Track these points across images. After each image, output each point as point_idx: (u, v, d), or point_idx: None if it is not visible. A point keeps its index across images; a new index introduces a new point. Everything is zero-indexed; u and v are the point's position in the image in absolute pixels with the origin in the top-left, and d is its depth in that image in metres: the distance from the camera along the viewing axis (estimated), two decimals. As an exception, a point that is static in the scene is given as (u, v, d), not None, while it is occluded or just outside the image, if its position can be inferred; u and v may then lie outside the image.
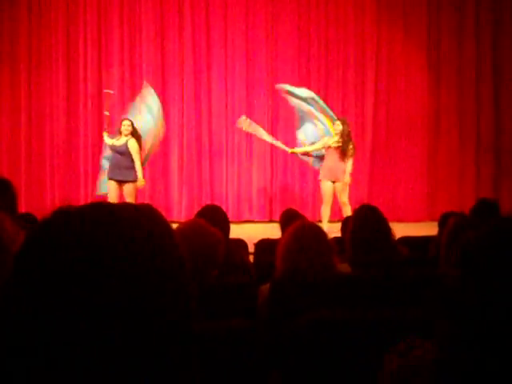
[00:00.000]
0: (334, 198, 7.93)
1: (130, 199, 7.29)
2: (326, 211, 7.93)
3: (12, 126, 9.48)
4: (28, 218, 4.26)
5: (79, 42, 9.62)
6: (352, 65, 10.00)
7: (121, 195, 7.39)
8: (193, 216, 3.53)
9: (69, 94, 9.61)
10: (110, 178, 7.42)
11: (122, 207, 0.68)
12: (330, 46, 9.98)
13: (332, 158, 7.78)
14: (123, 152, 7.36)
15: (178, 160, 9.77)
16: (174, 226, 2.34)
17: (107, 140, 7.62)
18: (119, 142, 7.45)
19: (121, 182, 7.40)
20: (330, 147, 7.79)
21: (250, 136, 9.89)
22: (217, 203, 5.94)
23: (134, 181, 7.41)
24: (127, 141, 7.39)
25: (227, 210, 8.82)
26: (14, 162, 9.42)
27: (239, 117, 9.82)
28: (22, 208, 7.87)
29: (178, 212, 9.59)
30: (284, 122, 9.92)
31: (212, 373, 1.65)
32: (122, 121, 7.54)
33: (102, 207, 0.67)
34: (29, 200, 9.10)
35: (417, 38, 10.12)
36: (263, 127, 9.87)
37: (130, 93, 9.58)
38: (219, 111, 9.88)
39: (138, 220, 0.67)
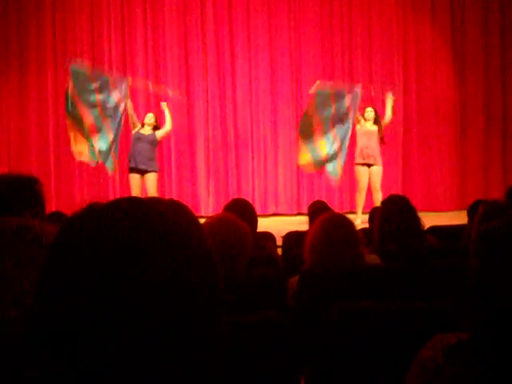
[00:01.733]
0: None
1: (152, 190, 7.50)
2: (361, 199, 7.92)
3: (40, 125, 9.61)
4: (58, 217, 4.33)
5: (103, 40, 9.69)
6: (378, 52, 9.90)
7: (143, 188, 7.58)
8: (220, 210, 3.55)
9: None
10: (134, 169, 7.53)
11: (152, 202, 0.69)
12: (353, 34, 9.89)
13: (365, 141, 7.79)
14: (151, 141, 7.60)
15: (204, 155, 9.80)
16: (202, 220, 2.36)
17: (144, 132, 7.68)
18: (146, 131, 7.65)
19: (143, 173, 7.55)
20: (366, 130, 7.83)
21: (275, 128, 9.88)
22: (244, 197, 5.95)
23: (156, 171, 7.67)
24: (154, 131, 7.65)
25: (254, 203, 8.83)
26: (44, 161, 9.54)
27: (264, 109, 9.85)
28: (52, 207, 7.98)
29: (206, 207, 9.62)
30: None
31: (242, 365, 1.66)
32: (147, 113, 7.84)
33: (132, 202, 0.68)
34: (59, 198, 9.23)
35: (442, 25, 9.99)
36: (288, 118, 9.87)
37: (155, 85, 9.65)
38: (244, 104, 9.87)
39: (167, 214, 0.67)
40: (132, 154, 7.57)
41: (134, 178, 7.55)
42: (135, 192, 7.38)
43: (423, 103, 9.97)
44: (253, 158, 9.90)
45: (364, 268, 2.80)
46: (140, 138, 7.58)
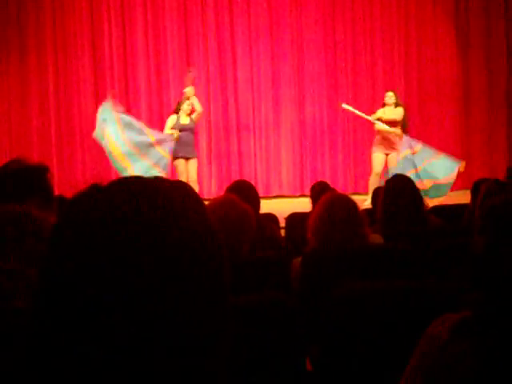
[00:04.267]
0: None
1: (195, 175, 7.92)
2: (375, 182, 7.92)
3: (41, 110, 9.58)
4: (59, 201, 4.32)
5: (104, 26, 9.61)
6: (379, 32, 9.83)
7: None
8: (223, 192, 3.55)
9: (95, 76, 9.65)
10: (180, 157, 7.75)
11: (156, 182, 0.68)
12: (356, 14, 9.81)
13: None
14: (192, 130, 7.91)
15: (206, 137, 9.78)
16: (206, 203, 2.36)
17: (185, 121, 7.82)
18: (185, 120, 7.83)
19: (187, 159, 7.83)
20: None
21: (277, 110, 9.84)
22: (246, 179, 5.95)
23: (196, 157, 8.06)
24: (192, 118, 7.88)
25: (257, 185, 8.83)
26: (46, 145, 9.53)
27: (265, 91, 9.80)
28: (55, 191, 7.97)
29: (208, 189, 9.62)
30: (310, 94, 9.84)
31: (247, 345, 1.67)
32: (184, 101, 7.89)
33: (135, 182, 0.68)
34: (61, 182, 9.23)
35: (445, 5, 9.89)
36: (290, 100, 9.82)
37: (155, 73, 9.61)
38: (245, 86, 9.82)
39: (172, 194, 0.67)
40: (177, 143, 7.70)
41: (181, 163, 7.82)
42: (183, 177, 7.70)
43: (425, 84, 9.91)
44: (255, 140, 9.88)
45: (367, 248, 2.80)
46: (183, 129, 7.76)
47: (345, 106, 8.33)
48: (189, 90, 7.97)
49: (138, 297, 0.61)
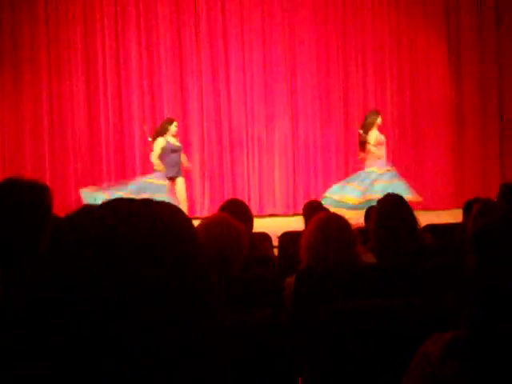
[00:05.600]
0: None
1: (184, 193, 7.97)
2: None
3: (35, 127, 9.58)
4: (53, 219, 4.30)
5: (97, 40, 9.67)
6: (371, 51, 9.92)
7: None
8: (216, 211, 3.55)
9: (89, 92, 9.68)
10: (168, 178, 7.78)
11: (144, 203, 0.69)
12: (347, 32, 9.91)
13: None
14: (181, 149, 8.04)
15: (199, 156, 9.79)
16: (198, 222, 2.36)
17: (175, 143, 7.94)
18: (175, 141, 7.98)
19: (175, 178, 7.90)
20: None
21: (270, 128, 9.88)
22: (239, 198, 5.95)
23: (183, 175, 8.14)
24: (178, 139, 8.07)
25: (250, 204, 8.83)
26: (39, 162, 9.52)
27: (258, 109, 9.85)
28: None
29: (201, 208, 9.62)
30: (303, 112, 9.90)
31: (238, 365, 1.66)
32: (172, 122, 7.96)
33: (124, 203, 0.69)
34: (54, 199, 9.20)
35: (436, 24, 10.01)
36: (283, 119, 9.87)
37: (149, 89, 9.64)
38: (238, 104, 9.87)
39: (160, 214, 0.68)
40: (168, 164, 7.76)
41: (169, 183, 7.84)
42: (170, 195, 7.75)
43: (418, 102, 9.98)
44: (248, 158, 9.90)
45: (360, 267, 2.80)
46: (174, 149, 7.86)
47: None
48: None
49: (124, 314, 0.61)
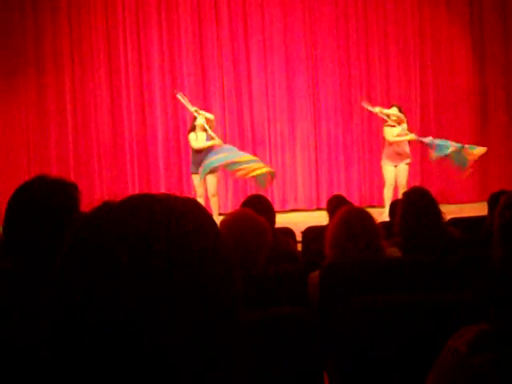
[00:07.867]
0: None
1: (213, 188, 7.88)
2: (388, 194, 8.20)
3: (59, 127, 9.69)
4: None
5: (119, 42, 9.74)
6: (394, 43, 9.82)
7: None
8: (239, 207, 3.55)
9: (112, 92, 9.76)
10: (197, 172, 7.78)
11: (166, 199, 0.68)
12: (369, 26, 9.83)
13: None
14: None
15: (221, 152, 9.80)
16: (221, 217, 2.35)
17: (216, 140, 7.92)
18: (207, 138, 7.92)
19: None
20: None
21: (292, 123, 9.86)
22: (262, 193, 5.95)
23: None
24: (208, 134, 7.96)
25: (273, 199, 8.82)
26: (63, 161, 9.62)
27: (280, 104, 9.83)
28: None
29: (224, 204, 9.64)
30: (325, 107, 9.85)
31: (265, 360, 1.66)
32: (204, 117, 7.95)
33: (146, 199, 0.68)
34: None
35: (459, 13, 9.87)
36: (305, 114, 9.84)
37: (171, 86, 9.66)
38: (260, 100, 9.86)
39: (182, 211, 0.67)
40: (201, 160, 7.74)
41: (197, 178, 7.87)
42: (199, 191, 7.86)
43: (441, 95, 9.87)
44: (270, 154, 9.89)
45: (385, 261, 2.78)
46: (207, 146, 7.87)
47: (365, 104, 8.49)
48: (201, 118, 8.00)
49: (149, 313, 0.61)
